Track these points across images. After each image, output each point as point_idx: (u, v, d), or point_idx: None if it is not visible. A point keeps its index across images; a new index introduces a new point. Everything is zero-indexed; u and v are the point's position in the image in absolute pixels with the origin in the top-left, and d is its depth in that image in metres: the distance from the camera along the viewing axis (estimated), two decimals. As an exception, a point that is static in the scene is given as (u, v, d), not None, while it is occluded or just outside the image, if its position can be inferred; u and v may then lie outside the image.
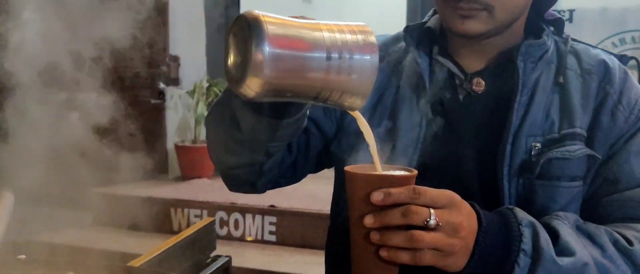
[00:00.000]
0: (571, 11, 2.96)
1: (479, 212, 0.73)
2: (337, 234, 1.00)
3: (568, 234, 0.77)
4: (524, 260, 0.74)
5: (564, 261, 0.75)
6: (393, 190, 0.67)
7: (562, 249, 0.76)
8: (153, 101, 3.74)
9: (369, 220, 0.68)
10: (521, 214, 0.77)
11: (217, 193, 3.23)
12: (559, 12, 2.92)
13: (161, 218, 3.15)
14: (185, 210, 3.14)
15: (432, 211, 0.68)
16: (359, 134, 0.91)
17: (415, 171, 0.71)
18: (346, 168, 0.72)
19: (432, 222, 0.67)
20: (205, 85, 3.84)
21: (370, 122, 0.91)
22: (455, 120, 0.89)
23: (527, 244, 0.74)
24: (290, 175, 0.98)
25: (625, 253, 0.79)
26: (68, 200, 3.61)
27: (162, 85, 3.78)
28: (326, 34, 0.66)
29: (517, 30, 0.92)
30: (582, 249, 0.77)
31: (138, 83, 3.70)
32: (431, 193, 0.69)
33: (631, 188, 0.86)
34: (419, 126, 0.89)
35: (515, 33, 0.92)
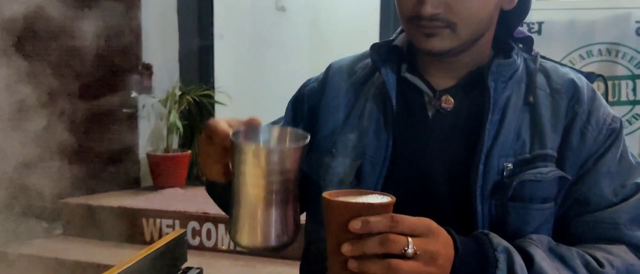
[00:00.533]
0: (540, 24, 3.02)
1: (455, 239, 0.74)
2: (310, 252, 1.01)
3: (542, 259, 0.78)
4: None
5: None
6: (371, 219, 0.67)
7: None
8: (125, 110, 3.69)
9: (346, 248, 0.68)
10: (496, 239, 0.78)
11: (189, 203, 3.20)
12: (528, 24, 2.98)
13: (133, 228, 3.10)
14: (157, 220, 3.10)
15: (410, 239, 0.68)
16: (327, 153, 0.92)
17: (393, 198, 0.71)
18: (324, 194, 0.71)
19: (410, 251, 0.67)
20: (178, 93, 3.81)
21: (337, 141, 0.92)
22: (424, 137, 0.89)
23: (502, 270, 0.75)
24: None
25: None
26: (37, 210, 3.54)
27: (134, 94, 3.74)
28: None
29: (484, 47, 0.92)
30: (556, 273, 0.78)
31: (110, 92, 3.65)
32: (409, 221, 0.69)
33: (601, 209, 0.87)
34: (386, 144, 0.89)
35: (483, 51, 0.93)
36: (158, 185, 3.65)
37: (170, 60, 3.97)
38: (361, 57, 1.00)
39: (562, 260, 0.81)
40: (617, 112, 3.10)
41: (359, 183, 0.88)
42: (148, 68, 3.81)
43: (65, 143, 3.84)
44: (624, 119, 2.96)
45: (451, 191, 0.87)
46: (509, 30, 0.96)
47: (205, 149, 0.81)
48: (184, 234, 1.41)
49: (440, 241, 0.71)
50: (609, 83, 2.99)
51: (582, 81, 0.93)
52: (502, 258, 0.76)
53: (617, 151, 0.89)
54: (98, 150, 3.65)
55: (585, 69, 3.19)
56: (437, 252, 0.70)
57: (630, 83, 2.95)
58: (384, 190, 0.85)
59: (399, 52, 0.95)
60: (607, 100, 2.98)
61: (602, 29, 2.98)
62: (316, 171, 0.92)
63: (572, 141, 0.88)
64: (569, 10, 3.05)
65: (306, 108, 1.02)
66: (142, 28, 3.68)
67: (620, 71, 2.97)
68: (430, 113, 0.91)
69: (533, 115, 0.89)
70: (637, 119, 2.93)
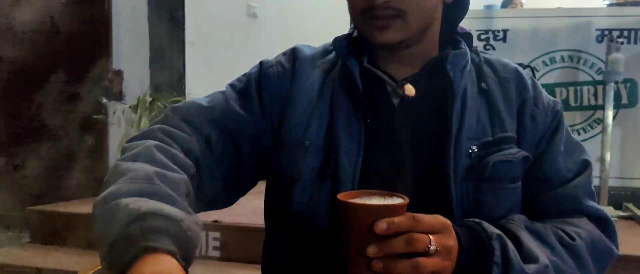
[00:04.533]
0: (505, 31, 3.09)
1: (458, 232, 0.79)
2: (276, 248, 1.01)
3: (528, 240, 0.85)
4: (496, 272, 0.80)
5: (531, 268, 0.82)
6: (396, 220, 0.70)
7: (526, 256, 0.83)
8: (95, 116, 3.66)
9: (372, 250, 0.70)
10: (490, 229, 0.83)
11: (160, 209, 3.18)
12: (493, 31, 3.06)
13: (102, 235, 3.07)
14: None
15: (431, 237, 0.72)
16: (298, 146, 0.92)
17: (407, 199, 0.74)
18: (339, 197, 0.73)
19: (433, 248, 0.71)
20: (149, 99, 3.80)
21: (308, 132, 0.93)
22: (393, 124, 0.93)
23: (498, 257, 0.81)
24: (226, 199, 0.97)
25: (570, 248, 0.88)
26: (3, 218, 3.48)
27: (104, 100, 3.71)
28: None
29: (433, 40, 0.98)
30: (542, 254, 0.85)
31: (80, 98, 3.62)
32: (428, 220, 0.73)
33: (561, 185, 0.95)
34: (358, 133, 0.91)
35: (433, 42, 0.98)
36: (128, 191, 3.62)
37: (141, 66, 3.95)
38: (323, 51, 1.02)
39: (540, 237, 0.87)
40: (579, 116, 3.19)
41: (338, 175, 0.90)
42: (118, 74, 3.79)
43: (33, 151, 3.80)
44: (585, 124, 3.06)
45: (425, 176, 0.91)
46: (452, 26, 1.01)
47: None
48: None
49: (452, 237, 0.76)
50: (571, 88, 3.08)
51: (522, 70, 1.01)
52: (496, 246, 0.81)
53: (563, 131, 0.98)
54: (67, 156, 3.61)
55: (549, 76, 3.29)
56: (451, 247, 0.75)
57: (591, 88, 3.05)
58: (361, 180, 0.88)
59: (359, 45, 0.98)
60: (568, 104, 3.07)
61: (564, 36, 3.07)
62: (289, 167, 0.93)
63: (526, 124, 0.95)
64: (532, 18, 3.13)
65: (272, 90, 0.98)
66: (112, 34, 3.67)
67: (582, 77, 3.06)
68: (395, 102, 0.94)
69: (488, 101, 0.95)
70: (598, 123, 3.02)
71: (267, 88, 0.98)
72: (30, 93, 3.64)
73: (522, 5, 5.36)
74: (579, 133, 3.06)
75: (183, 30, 4.00)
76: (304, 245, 0.92)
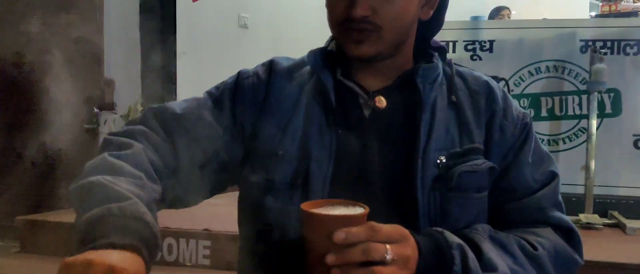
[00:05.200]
0: (491, 42, 3.14)
1: (418, 241, 0.81)
2: (249, 256, 1.03)
3: (489, 250, 0.87)
4: None
5: None
6: (353, 229, 0.73)
7: (486, 265, 0.85)
8: (86, 125, 3.67)
9: (330, 259, 0.73)
10: (451, 238, 0.86)
11: (151, 218, 3.18)
12: (480, 42, 3.11)
13: (92, 244, 3.07)
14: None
15: (388, 247, 0.74)
16: (272, 155, 0.96)
17: (367, 208, 0.77)
18: (303, 206, 0.76)
19: (389, 257, 0.74)
20: (140, 108, 3.81)
21: (282, 142, 0.96)
22: (364, 135, 0.96)
23: (458, 265, 0.83)
24: (188, 200, 0.99)
25: (532, 257, 0.91)
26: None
27: (96, 109, 3.72)
28: None
29: (407, 54, 1.01)
30: (502, 263, 0.87)
31: (71, 107, 3.63)
32: (386, 230, 0.76)
33: (527, 196, 0.98)
34: (330, 143, 0.94)
35: (407, 56, 1.01)
36: (119, 200, 3.62)
37: (132, 76, 3.97)
38: (299, 64, 1.05)
39: (502, 246, 0.90)
40: (564, 126, 3.23)
41: (309, 184, 0.92)
42: (110, 84, 3.81)
43: (23, 160, 3.79)
44: (570, 133, 3.11)
45: (393, 186, 0.94)
46: (426, 41, 1.05)
47: None
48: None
49: (410, 246, 0.79)
50: (556, 98, 3.13)
51: (493, 83, 1.04)
52: (457, 255, 0.83)
53: (531, 143, 1.01)
54: (58, 166, 3.62)
55: (535, 85, 3.33)
56: (409, 256, 0.77)
57: (576, 98, 3.10)
58: (331, 189, 0.91)
59: (333, 57, 1.01)
60: (553, 113, 3.12)
61: (549, 47, 3.12)
62: (263, 176, 0.95)
63: (494, 136, 0.98)
64: (518, 29, 3.18)
65: (247, 101, 1.01)
66: (104, 44, 3.69)
67: (567, 87, 3.11)
68: (366, 113, 0.97)
69: (457, 113, 0.99)
70: (583, 132, 3.07)
71: (241, 98, 1.01)
72: (21, 103, 3.65)
73: (510, 17, 5.44)
74: (564, 142, 3.10)
75: (174, 40, 4.02)
76: (276, 253, 0.94)
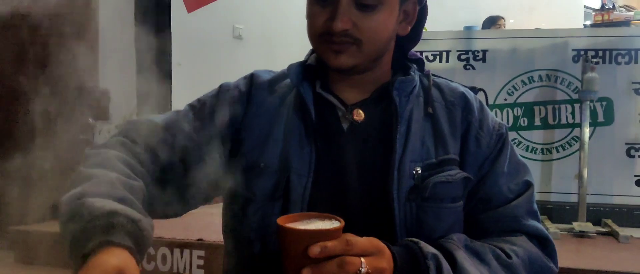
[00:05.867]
0: (484, 51, 3.17)
1: (394, 253, 0.83)
2: (232, 267, 1.05)
3: (464, 259, 0.89)
4: None
5: None
6: (329, 244, 0.74)
7: None
8: (81, 136, 3.67)
9: (306, 272, 0.74)
10: (426, 248, 0.87)
11: (145, 228, 3.18)
12: (473, 52, 3.13)
13: (87, 254, 3.06)
14: (113, 246, 3.08)
15: (363, 260, 0.76)
16: (254, 168, 0.97)
17: (343, 222, 0.78)
18: (279, 221, 0.77)
19: (364, 270, 0.75)
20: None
21: (263, 155, 0.98)
22: (342, 148, 0.98)
23: None
24: (175, 210, 1.01)
25: (506, 266, 0.93)
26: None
27: (91, 120, 3.73)
28: None
29: (385, 67, 1.03)
30: (476, 271, 0.89)
31: (66, 117, 3.63)
32: (361, 243, 0.77)
33: (502, 205, 1.00)
34: (309, 155, 0.96)
35: (384, 69, 1.03)
36: (114, 211, 3.61)
37: (127, 86, 3.98)
38: (280, 77, 1.07)
39: (478, 256, 0.92)
40: (557, 134, 3.25)
41: (288, 195, 0.94)
42: (105, 94, 3.81)
43: (17, 170, 3.78)
44: (564, 141, 3.13)
45: (370, 197, 0.96)
46: (404, 53, 1.07)
47: None
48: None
49: (386, 258, 0.80)
50: (549, 107, 3.15)
51: (470, 94, 1.06)
52: (432, 265, 0.85)
53: (507, 153, 1.02)
54: (52, 176, 3.61)
55: (528, 94, 3.36)
56: (384, 269, 0.79)
57: (569, 107, 3.12)
58: (310, 201, 0.93)
59: (313, 71, 1.03)
60: (546, 122, 3.13)
61: (542, 56, 3.15)
62: (244, 187, 0.97)
63: (470, 147, 1.00)
64: (511, 39, 3.21)
65: (228, 114, 1.03)
66: (99, 54, 3.70)
67: (560, 96, 3.13)
68: (345, 126, 0.99)
69: (433, 124, 1.01)
70: (576, 141, 3.09)
71: (221, 112, 1.03)
72: (16, 113, 3.65)
73: (505, 26, 5.48)
74: (557, 151, 3.12)
75: (170, 51, 4.04)
76: (258, 264, 0.95)
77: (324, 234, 0.75)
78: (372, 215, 0.95)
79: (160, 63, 4.06)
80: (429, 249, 0.87)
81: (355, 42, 0.95)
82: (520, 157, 1.06)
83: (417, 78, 1.04)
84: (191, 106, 1.06)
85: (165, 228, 2.85)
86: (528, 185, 1.02)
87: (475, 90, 1.10)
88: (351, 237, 0.76)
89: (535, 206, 1.02)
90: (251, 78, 1.07)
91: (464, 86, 1.09)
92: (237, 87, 1.06)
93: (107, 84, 3.79)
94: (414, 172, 0.95)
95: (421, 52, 3.14)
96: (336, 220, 0.79)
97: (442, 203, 0.96)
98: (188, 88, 4.21)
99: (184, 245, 2.99)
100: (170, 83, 4.06)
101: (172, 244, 2.99)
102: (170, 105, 4.06)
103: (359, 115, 0.99)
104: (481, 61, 3.15)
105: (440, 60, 3.08)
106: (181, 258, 2.99)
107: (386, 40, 0.99)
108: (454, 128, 1.00)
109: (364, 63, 0.97)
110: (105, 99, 3.78)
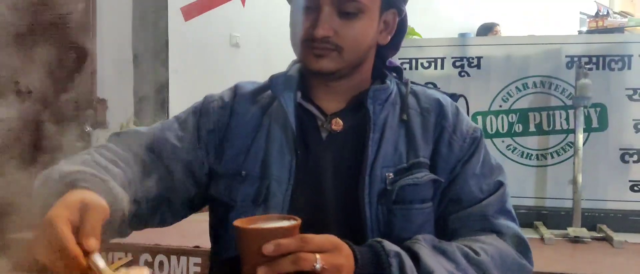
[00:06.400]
0: (479, 58, 3.18)
1: (354, 250, 0.85)
2: (219, 268, 1.07)
3: (427, 256, 0.91)
4: None
5: None
6: (283, 241, 0.75)
7: (423, 271, 0.89)
8: (78, 144, 3.68)
9: (262, 271, 0.75)
10: (389, 246, 0.89)
11: (141, 235, 3.17)
12: (467, 58, 3.15)
13: (84, 261, 3.06)
14: (110, 253, 3.09)
15: (318, 256, 0.77)
16: (236, 175, 1.00)
17: (299, 220, 0.79)
18: (235, 224, 0.79)
19: (318, 266, 0.77)
20: (132, 126, 3.83)
21: (245, 163, 1.01)
22: (320, 157, 1.02)
23: (395, 272, 0.86)
24: (162, 218, 1.04)
25: (475, 263, 0.94)
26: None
27: (88, 128, 3.74)
28: None
29: (365, 75, 1.07)
30: (440, 268, 0.90)
31: (64, 125, 3.64)
32: (317, 240, 0.78)
33: (472, 205, 1.03)
34: (289, 164, 1.00)
35: (364, 77, 1.07)
36: (111, 218, 3.62)
37: (125, 94, 4.00)
38: (262, 88, 1.11)
39: (444, 254, 0.94)
40: (552, 140, 3.26)
41: (269, 202, 0.97)
42: (103, 102, 3.83)
43: (15, 179, 3.78)
44: (559, 147, 3.14)
45: (344, 202, 1.00)
46: (383, 62, 1.11)
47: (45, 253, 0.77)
48: (131, 262, 1.43)
49: (343, 255, 0.82)
50: (544, 113, 3.17)
51: (446, 100, 1.09)
52: (394, 263, 0.87)
53: (480, 156, 1.05)
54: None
55: (523, 101, 3.37)
56: (341, 265, 0.80)
57: (563, 113, 3.14)
58: (290, 207, 0.96)
59: (294, 81, 1.06)
60: (541, 128, 3.14)
61: (536, 63, 3.17)
62: (227, 195, 1.00)
63: (442, 150, 1.03)
64: (505, 46, 3.23)
65: (211, 124, 1.07)
66: (97, 62, 3.71)
67: (554, 102, 3.15)
68: (323, 136, 1.03)
69: (407, 130, 1.04)
70: (571, 147, 3.11)
71: (206, 122, 1.07)
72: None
73: (501, 34, 5.51)
74: (552, 157, 3.14)
75: (167, 58, 4.05)
76: (238, 268, 0.97)
77: (278, 232, 0.76)
78: (346, 219, 0.98)
79: (158, 71, 4.08)
80: (392, 247, 0.89)
81: (336, 49, 0.98)
82: (496, 160, 1.08)
83: (393, 86, 1.07)
84: (176, 117, 1.10)
85: (162, 235, 2.86)
86: (500, 184, 1.04)
87: (455, 97, 1.14)
88: (307, 235, 0.78)
89: (509, 205, 1.04)
90: (235, 89, 1.12)
91: (443, 92, 1.12)
92: (221, 97, 1.10)
93: (104, 92, 3.80)
94: (386, 176, 0.98)
95: (416, 60, 3.17)
96: (294, 219, 0.80)
97: (411, 205, 0.99)
98: (185, 95, 4.23)
99: (181, 252, 2.99)
100: (168, 90, 4.08)
101: (169, 251, 2.99)
102: (168, 112, 4.07)
103: (338, 124, 1.03)
104: (476, 68, 3.17)
105: (435, 67, 3.10)
106: (178, 265, 3.00)
107: (366, 48, 1.02)
108: (427, 132, 1.04)
109: (344, 69, 1.01)
110: (102, 107, 3.79)
